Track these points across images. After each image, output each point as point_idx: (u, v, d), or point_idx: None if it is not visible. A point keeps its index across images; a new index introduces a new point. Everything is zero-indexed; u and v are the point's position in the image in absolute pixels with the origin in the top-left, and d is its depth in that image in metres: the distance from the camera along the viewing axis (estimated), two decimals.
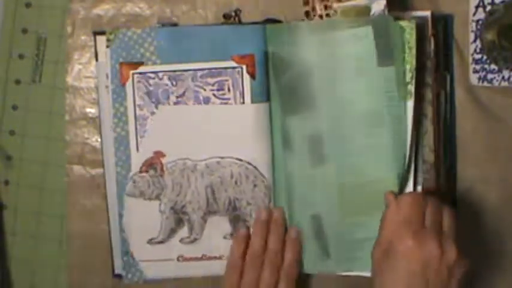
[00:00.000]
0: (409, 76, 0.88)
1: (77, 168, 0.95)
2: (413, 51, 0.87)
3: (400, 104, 0.87)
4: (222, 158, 0.92)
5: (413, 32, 0.88)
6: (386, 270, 0.79)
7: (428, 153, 0.90)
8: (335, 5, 0.87)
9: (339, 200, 0.90)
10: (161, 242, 0.92)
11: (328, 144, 0.90)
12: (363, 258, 0.88)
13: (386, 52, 0.87)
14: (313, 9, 0.90)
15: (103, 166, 0.93)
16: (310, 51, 0.89)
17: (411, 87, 0.88)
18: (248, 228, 0.92)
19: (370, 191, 0.89)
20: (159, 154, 0.92)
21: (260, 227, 0.91)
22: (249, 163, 0.92)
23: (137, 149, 0.91)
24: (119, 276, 0.93)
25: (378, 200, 0.87)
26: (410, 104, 0.88)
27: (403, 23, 0.88)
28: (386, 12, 0.86)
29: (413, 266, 0.77)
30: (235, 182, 0.92)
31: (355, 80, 0.88)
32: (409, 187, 0.89)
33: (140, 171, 0.92)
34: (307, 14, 0.90)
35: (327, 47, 0.89)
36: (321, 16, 0.89)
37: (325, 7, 0.88)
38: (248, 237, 0.92)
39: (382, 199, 0.86)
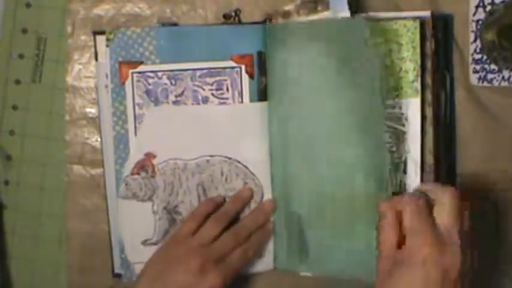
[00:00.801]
0: (413, 74, 0.88)
1: (77, 168, 0.95)
2: (418, 50, 0.88)
3: (375, 113, 0.86)
4: (211, 156, 0.92)
5: (417, 32, 0.88)
6: (399, 280, 0.76)
7: (427, 154, 0.90)
8: (299, 20, 0.88)
9: (323, 206, 0.91)
10: (156, 244, 0.92)
11: (318, 150, 0.90)
12: (342, 263, 0.90)
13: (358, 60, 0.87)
14: None
15: (103, 166, 0.93)
16: (300, 52, 0.90)
17: (417, 85, 0.88)
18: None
19: (353, 201, 0.89)
20: (150, 156, 0.92)
21: (238, 200, 0.92)
22: (238, 162, 0.92)
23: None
24: (119, 275, 0.93)
25: (360, 209, 0.88)
26: (416, 101, 0.89)
27: (408, 23, 0.88)
28: None
29: (433, 273, 0.74)
30: (225, 180, 0.92)
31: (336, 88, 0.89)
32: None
33: (132, 173, 0.92)
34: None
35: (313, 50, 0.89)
36: None
37: None
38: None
39: (363, 209, 0.87)
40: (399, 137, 0.89)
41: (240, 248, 0.89)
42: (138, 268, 0.91)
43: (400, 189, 0.89)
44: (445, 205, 0.77)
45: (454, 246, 0.75)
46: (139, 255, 0.92)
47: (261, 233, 0.92)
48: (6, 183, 0.97)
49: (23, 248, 0.97)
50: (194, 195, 0.93)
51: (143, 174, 0.92)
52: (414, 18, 0.88)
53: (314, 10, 0.88)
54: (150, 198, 0.92)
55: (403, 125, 0.89)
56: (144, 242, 0.93)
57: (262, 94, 0.92)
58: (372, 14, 0.91)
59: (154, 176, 0.92)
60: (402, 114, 0.89)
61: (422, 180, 0.89)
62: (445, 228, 0.76)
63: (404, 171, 0.90)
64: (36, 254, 0.97)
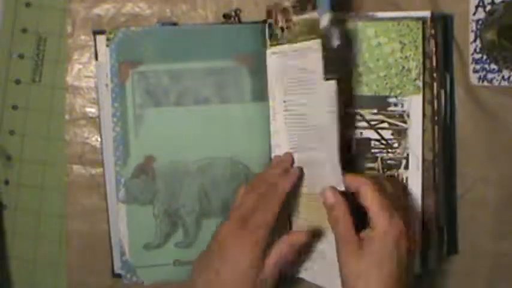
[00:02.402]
0: (415, 73, 0.89)
1: (77, 168, 0.95)
2: (420, 49, 0.89)
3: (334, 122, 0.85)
4: (212, 158, 0.92)
5: (420, 32, 0.89)
6: (372, 258, 0.79)
7: (427, 151, 0.90)
8: (294, 18, 0.87)
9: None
10: (157, 247, 0.92)
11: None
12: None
13: (331, 66, 0.86)
14: (276, 21, 0.90)
15: (103, 166, 0.93)
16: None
17: (419, 83, 0.89)
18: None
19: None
20: (150, 159, 0.92)
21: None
22: (240, 162, 0.92)
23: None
24: (119, 275, 0.93)
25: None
26: (418, 98, 0.89)
27: (411, 23, 0.89)
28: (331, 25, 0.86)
29: (402, 244, 0.80)
30: (227, 182, 0.92)
31: (305, 93, 0.88)
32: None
33: (132, 177, 0.92)
34: (269, 26, 0.91)
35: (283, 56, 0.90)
36: (282, 28, 0.89)
37: (286, 20, 0.88)
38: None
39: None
40: (401, 133, 0.90)
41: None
42: (141, 272, 0.92)
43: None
44: (367, 193, 0.81)
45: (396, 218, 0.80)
46: (141, 260, 0.92)
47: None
48: (6, 183, 0.97)
49: (23, 248, 0.97)
50: (195, 198, 0.92)
51: (143, 177, 0.92)
52: (417, 19, 0.89)
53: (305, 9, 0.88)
54: (150, 202, 0.92)
55: (405, 122, 0.89)
56: (146, 246, 0.92)
57: (263, 93, 0.92)
58: (372, 13, 0.91)
59: (155, 178, 0.92)
60: (404, 111, 0.89)
61: (423, 176, 0.90)
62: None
63: (406, 167, 0.90)
64: (36, 254, 0.97)
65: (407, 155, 0.90)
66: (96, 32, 0.92)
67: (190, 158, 0.91)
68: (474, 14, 0.92)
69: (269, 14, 0.91)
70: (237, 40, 0.92)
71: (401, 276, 0.79)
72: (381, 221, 0.80)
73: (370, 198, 0.81)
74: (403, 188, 0.89)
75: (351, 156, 0.91)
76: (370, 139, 0.90)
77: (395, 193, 0.84)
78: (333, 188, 0.84)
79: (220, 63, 0.91)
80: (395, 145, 0.90)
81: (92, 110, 0.95)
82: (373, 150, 0.91)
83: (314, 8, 0.84)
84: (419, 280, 0.93)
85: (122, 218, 0.92)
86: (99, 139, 0.94)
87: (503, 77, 0.92)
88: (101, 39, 0.92)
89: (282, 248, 0.84)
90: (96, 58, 0.92)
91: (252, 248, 0.82)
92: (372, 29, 0.89)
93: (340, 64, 0.86)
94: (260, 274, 0.82)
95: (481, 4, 0.92)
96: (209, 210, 0.93)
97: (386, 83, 0.89)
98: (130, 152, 0.91)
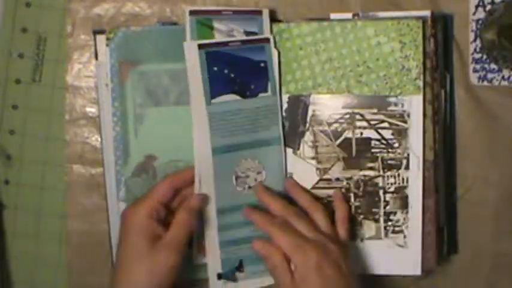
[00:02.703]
0: (416, 72, 0.89)
1: (77, 168, 0.95)
2: (420, 48, 0.89)
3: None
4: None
5: (420, 31, 0.89)
6: None
7: (428, 151, 0.90)
8: None
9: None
10: None
11: None
12: None
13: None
14: None
15: (103, 165, 0.93)
16: None
17: (419, 83, 0.89)
18: None
19: None
20: (150, 158, 0.92)
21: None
22: None
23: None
24: None
25: None
26: (418, 98, 0.89)
27: (411, 22, 0.89)
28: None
29: (315, 278, 0.82)
30: None
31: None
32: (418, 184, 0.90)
33: (133, 176, 0.92)
34: None
35: None
36: None
37: None
38: None
39: None
40: (401, 133, 0.90)
41: None
42: None
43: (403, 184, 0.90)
44: (320, 217, 0.87)
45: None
46: None
47: None
48: (6, 183, 0.96)
49: (23, 247, 0.97)
50: None
51: (144, 176, 0.92)
52: (417, 18, 0.89)
53: None
54: None
55: (406, 122, 0.89)
56: None
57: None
58: (372, 13, 0.91)
59: (156, 177, 0.92)
60: (404, 111, 0.89)
61: (424, 176, 0.90)
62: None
63: (407, 167, 0.90)
64: (36, 254, 0.97)
65: (408, 155, 0.90)
66: (96, 32, 0.92)
67: (190, 157, 0.91)
68: (474, 13, 0.92)
69: None
70: None
71: None
72: (297, 259, 0.82)
73: (281, 243, 0.84)
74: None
75: (352, 156, 0.91)
76: (370, 139, 0.90)
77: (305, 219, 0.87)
78: (260, 240, 0.86)
79: None
80: (396, 145, 0.90)
81: (92, 110, 0.95)
82: (373, 150, 0.91)
83: None
84: (420, 280, 0.93)
85: None
86: (99, 139, 0.94)
87: (503, 76, 0.92)
88: (101, 38, 0.91)
89: (182, 217, 0.86)
90: (96, 58, 0.92)
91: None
92: (372, 28, 0.89)
93: None
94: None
95: (481, 4, 0.92)
96: None
97: (387, 83, 0.89)
98: (130, 151, 0.91)
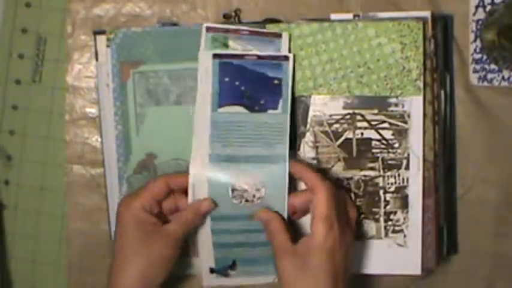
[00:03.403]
0: (416, 73, 0.89)
1: (77, 168, 0.95)
2: (421, 49, 0.89)
3: None
4: None
5: (420, 32, 0.89)
6: (310, 269, 0.81)
7: (428, 151, 0.90)
8: None
9: None
10: None
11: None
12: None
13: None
14: None
15: (103, 165, 0.93)
16: None
17: (420, 83, 0.89)
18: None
19: None
20: (151, 156, 0.92)
21: None
22: None
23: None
24: None
25: None
26: (419, 99, 0.90)
27: (411, 23, 0.89)
28: None
29: (338, 255, 0.82)
30: None
31: None
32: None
33: (134, 173, 0.92)
34: None
35: None
36: None
37: None
38: None
39: None
40: (402, 133, 0.90)
41: None
42: None
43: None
44: (323, 197, 0.83)
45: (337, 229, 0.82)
46: None
47: None
48: (6, 183, 0.97)
49: (23, 248, 0.97)
50: None
51: (145, 173, 0.92)
52: (417, 19, 0.89)
53: None
54: None
55: (406, 122, 0.90)
56: None
57: None
58: (372, 14, 0.91)
59: (157, 175, 0.92)
60: (405, 111, 0.89)
61: (424, 176, 0.90)
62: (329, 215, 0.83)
63: (407, 167, 0.90)
64: (36, 254, 0.97)
65: (408, 155, 0.90)
66: (96, 32, 0.92)
67: (189, 156, 0.91)
68: (474, 14, 0.92)
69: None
70: None
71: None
72: (321, 230, 0.82)
73: (317, 205, 0.83)
74: (345, 202, 0.89)
75: (352, 156, 0.91)
76: (371, 139, 0.91)
77: (341, 203, 0.86)
78: (263, 208, 0.87)
79: None
80: (396, 145, 0.90)
81: (92, 111, 0.95)
82: (373, 150, 0.91)
83: None
84: (420, 280, 0.93)
85: None
86: (99, 139, 0.94)
87: (503, 77, 0.92)
88: (101, 39, 0.92)
89: (186, 216, 0.87)
90: (97, 58, 0.92)
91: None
92: (373, 29, 0.89)
93: None
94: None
95: (481, 4, 0.92)
96: None
97: (387, 84, 0.89)
98: (132, 149, 0.92)
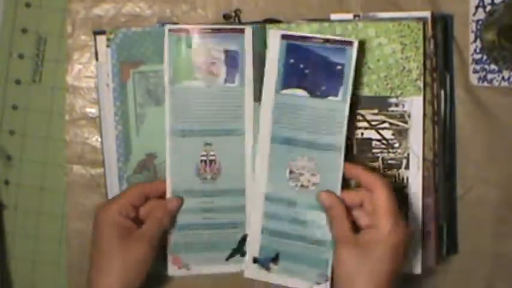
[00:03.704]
0: (416, 73, 0.89)
1: (77, 168, 0.95)
2: (421, 49, 0.89)
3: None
4: None
5: (421, 32, 0.89)
6: (369, 259, 0.82)
7: (427, 151, 0.90)
8: None
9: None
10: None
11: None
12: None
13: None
14: None
15: (103, 165, 0.93)
16: None
17: (420, 83, 0.90)
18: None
19: None
20: (151, 156, 0.92)
21: None
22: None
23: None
24: None
25: None
26: (419, 99, 0.90)
27: (411, 24, 0.89)
28: None
29: (401, 248, 0.82)
30: None
31: None
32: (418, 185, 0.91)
33: (134, 173, 0.92)
34: None
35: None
36: None
37: None
38: None
39: None
40: (402, 133, 0.90)
41: None
42: None
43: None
44: (385, 193, 0.83)
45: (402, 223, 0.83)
46: None
47: None
48: (6, 183, 0.97)
49: (23, 248, 0.97)
50: None
51: (145, 173, 0.92)
52: (417, 19, 0.89)
53: None
54: None
55: (406, 122, 0.90)
56: None
57: (259, 94, 0.92)
58: (372, 14, 0.91)
59: (157, 174, 0.92)
60: (405, 111, 0.89)
61: (423, 176, 0.90)
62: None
63: (407, 167, 0.90)
64: (36, 254, 0.97)
65: (408, 155, 0.90)
66: (96, 32, 0.92)
67: None
68: (474, 14, 0.92)
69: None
70: None
71: (394, 282, 0.82)
72: (386, 224, 0.82)
73: (380, 201, 0.83)
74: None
75: (352, 156, 0.91)
76: (371, 139, 0.91)
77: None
78: (328, 191, 0.87)
79: None
80: (396, 145, 0.90)
81: (92, 111, 0.95)
82: (374, 150, 0.91)
83: None
84: (420, 280, 0.93)
85: None
86: (99, 139, 0.94)
87: (503, 77, 0.92)
88: (101, 39, 0.92)
89: (156, 214, 0.88)
90: (97, 58, 0.92)
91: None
92: (373, 29, 0.89)
93: None
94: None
95: (481, 4, 0.92)
96: None
97: (387, 84, 0.89)
98: (132, 149, 0.92)
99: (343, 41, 0.88)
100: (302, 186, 0.90)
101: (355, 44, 0.87)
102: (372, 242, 0.82)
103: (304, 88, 0.89)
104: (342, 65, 0.88)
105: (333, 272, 0.88)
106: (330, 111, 0.89)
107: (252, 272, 0.93)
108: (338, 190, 0.88)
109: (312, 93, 0.89)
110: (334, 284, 0.86)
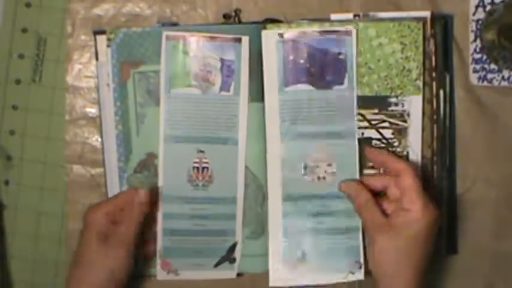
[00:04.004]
0: (416, 73, 0.89)
1: (77, 168, 0.95)
2: (420, 49, 0.90)
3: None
4: None
5: (421, 32, 0.89)
6: (400, 240, 0.83)
7: (425, 149, 0.90)
8: None
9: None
10: None
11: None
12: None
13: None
14: None
15: (104, 165, 0.93)
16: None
17: (419, 83, 0.90)
18: None
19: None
20: (151, 156, 0.92)
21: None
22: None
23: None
24: None
25: None
26: (418, 98, 0.90)
27: (411, 24, 0.89)
28: None
29: (434, 228, 0.84)
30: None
31: None
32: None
33: (135, 172, 0.92)
34: None
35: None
36: None
37: None
38: None
39: None
40: (401, 132, 0.90)
41: None
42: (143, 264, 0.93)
43: None
44: (412, 177, 0.84)
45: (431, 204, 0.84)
46: None
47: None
48: (6, 183, 0.96)
49: (23, 248, 0.97)
50: None
51: (146, 173, 0.92)
52: (417, 19, 0.89)
53: None
54: None
55: (405, 121, 0.90)
56: None
57: (259, 94, 0.92)
58: (372, 14, 0.91)
59: (157, 175, 0.92)
60: (404, 110, 0.89)
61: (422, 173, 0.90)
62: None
63: None
64: (36, 254, 0.97)
65: (407, 153, 0.90)
66: (96, 32, 0.92)
67: None
68: (474, 14, 0.92)
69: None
70: None
71: (427, 263, 0.84)
72: (418, 205, 0.83)
73: (410, 184, 0.84)
74: None
75: None
76: (371, 138, 0.91)
77: None
78: (347, 181, 0.89)
79: None
80: (396, 144, 0.90)
81: (92, 110, 0.95)
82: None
83: None
84: None
85: None
86: (99, 139, 0.94)
87: (503, 77, 0.92)
88: (102, 39, 0.92)
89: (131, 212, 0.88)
90: (97, 58, 0.92)
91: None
92: (373, 29, 0.89)
93: None
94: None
95: (481, 4, 0.92)
96: None
97: (387, 84, 0.89)
98: (132, 149, 0.92)
99: (340, 31, 0.89)
100: (319, 178, 0.91)
101: (354, 32, 0.89)
102: (406, 224, 0.83)
103: (308, 82, 0.90)
104: (344, 53, 0.89)
105: (365, 259, 0.89)
106: (337, 100, 0.90)
107: (279, 279, 0.92)
108: (356, 175, 0.90)
109: (317, 86, 0.90)
110: (373, 271, 0.86)
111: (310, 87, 0.90)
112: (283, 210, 0.91)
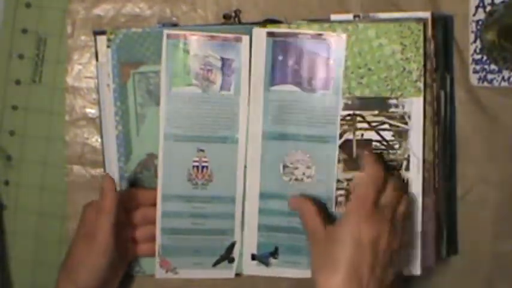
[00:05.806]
0: (416, 74, 0.89)
1: (77, 168, 0.96)
2: (421, 50, 0.89)
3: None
4: None
5: (421, 33, 0.89)
6: (329, 247, 0.82)
7: (428, 152, 0.90)
8: None
9: None
10: None
11: None
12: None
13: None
14: None
15: (103, 165, 0.93)
16: None
17: (420, 84, 0.89)
18: None
19: None
20: (151, 156, 0.92)
21: None
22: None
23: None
24: None
25: None
26: (419, 100, 0.89)
27: (412, 25, 0.89)
28: None
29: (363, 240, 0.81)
30: None
31: None
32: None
33: (135, 173, 0.93)
34: None
35: None
36: None
37: None
38: None
39: None
40: (402, 134, 0.90)
41: None
42: (145, 262, 0.94)
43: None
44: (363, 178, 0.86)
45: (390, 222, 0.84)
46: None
47: None
48: (6, 183, 0.97)
49: (23, 248, 0.97)
50: None
51: (146, 173, 0.92)
52: (418, 20, 0.89)
53: None
54: None
55: (406, 123, 0.90)
56: None
57: None
58: (372, 14, 0.91)
59: (157, 175, 0.92)
60: (405, 113, 0.89)
61: (423, 177, 0.90)
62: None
63: (407, 168, 0.90)
64: (36, 254, 0.97)
65: (408, 156, 0.90)
66: (96, 33, 0.92)
67: None
68: (474, 14, 0.92)
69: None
70: None
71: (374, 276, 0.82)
72: (350, 216, 0.83)
73: (357, 185, 0.86)
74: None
75: (352, 157, 0.91)
76: (371, 140, 0.90)
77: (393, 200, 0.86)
78: (294, 197, 0.90)
79: None
80: (396, 146, 0.90)
81: (92, 111, 0.95)
82: (374, 151, 0.91)
83: None
84: (419, 280, 0.93)
85: None
86: (99, 140, 0.94)
87: (503, 77, 0.92)
88: (102, 39, 0.92)
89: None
90: (97, 58, 0.92)
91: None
92: (373, 30, 0.89)
93: None
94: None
95: (481, 5, 0.92)
96: None
97: (387, 85, 0.89)
98: (132, 150, 0.92)
99: (332, 35, 0.89)
100: (296, 179, 0.91)
101: (344, 38, 0.89)
102: (333, 237, 0.83)
103: (295, 83, 0.90)
104: (333, 59, 0.89)
105: None
106: (322, 104, 0.90)
107: (252, 269, 0.93)
108: (334, 180, 0.90)
109: (303, 88, 0.90)
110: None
111: (296, 89, 0.90)
112: (259, 207, 0.92)
